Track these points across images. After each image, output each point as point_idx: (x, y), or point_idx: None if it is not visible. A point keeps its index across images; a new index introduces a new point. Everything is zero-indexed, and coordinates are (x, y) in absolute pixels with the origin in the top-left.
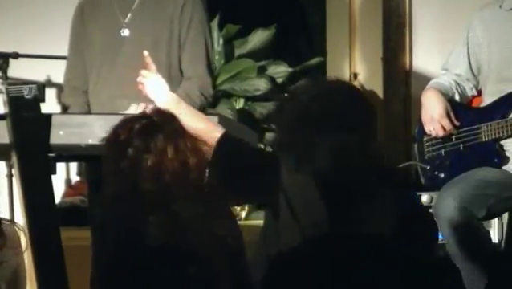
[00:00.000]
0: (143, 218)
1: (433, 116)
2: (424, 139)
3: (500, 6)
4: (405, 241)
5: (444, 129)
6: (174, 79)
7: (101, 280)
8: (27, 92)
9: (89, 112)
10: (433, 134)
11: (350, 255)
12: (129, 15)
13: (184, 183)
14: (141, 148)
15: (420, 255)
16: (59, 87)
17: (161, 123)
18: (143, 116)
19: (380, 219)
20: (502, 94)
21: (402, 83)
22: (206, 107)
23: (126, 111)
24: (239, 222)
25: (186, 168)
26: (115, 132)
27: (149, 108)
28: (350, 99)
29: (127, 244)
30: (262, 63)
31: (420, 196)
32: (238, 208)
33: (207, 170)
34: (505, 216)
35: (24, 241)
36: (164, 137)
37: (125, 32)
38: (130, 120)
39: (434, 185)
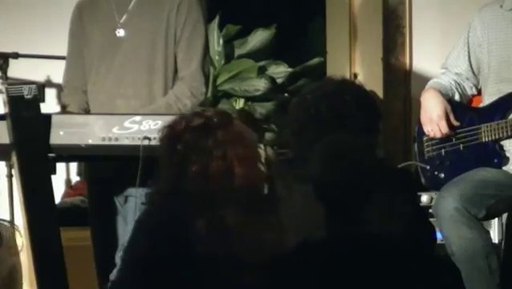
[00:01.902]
0: (184, 218)
1: (432, 117)
2: (424, 139)
3: (500, 6)
4: (408, 241)
5: (442, 131)
6: (170, 78)
7: (135, 276)
8: (27, 92)
9: (89, 112)
10: (431, 135)
11: (356, 256)
12: (125, 15)
13: (228, 190)
14: (190, 146)
15: (421, 255)
16: (59, 87)
17: (217, 125)
18: (203, 114)
19: (388, 220)
20: (502, 94)
21: (402, 83)
22: (199, 106)
23: (124, 112)
24: None
25: (231, 175)
26: (171, 125)
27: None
28: (361, 100)
29: (166, 242)
30: (262, 63)
31: (420, 196)
32: None
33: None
34: (505, 216)
35: (20, 241)
36: (215, 140)
37: (120, 32)
38: (188, 116)
39: (434, 185)
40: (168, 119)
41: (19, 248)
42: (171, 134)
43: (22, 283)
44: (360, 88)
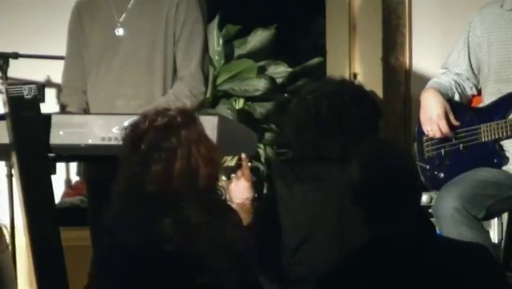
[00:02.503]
0: (148, 218)
1: (432, 117)
2: (424, 139)
3: (501, 6)
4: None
5: (442, 131)
6: (170, 78)
7: (100, 279)
8: (27, 92)
9: (89, 112)
10: (431, 135)
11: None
12: (124, 14)
13: (192, 189)
14: (153, 145)
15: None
16: (59, 87)
17: (181, 124)
18: (166, 113)
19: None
20: (502, 94)
21: (402, 83)
22: (199, 105)
23: (124, 112)
24: None
25: (195, 174)
26: (134, 124)
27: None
28: (361, 100)
29: (129, 244)
30: (262, 63)
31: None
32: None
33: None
34: (505, 216)
35: (7, 237)
36: (179, 140)
37: (120, 31)
38: (152, 114)
39: (434, 185)
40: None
41: (6, 245)
42: (134, 133)
43: (14, 278)
44: (360, 88)
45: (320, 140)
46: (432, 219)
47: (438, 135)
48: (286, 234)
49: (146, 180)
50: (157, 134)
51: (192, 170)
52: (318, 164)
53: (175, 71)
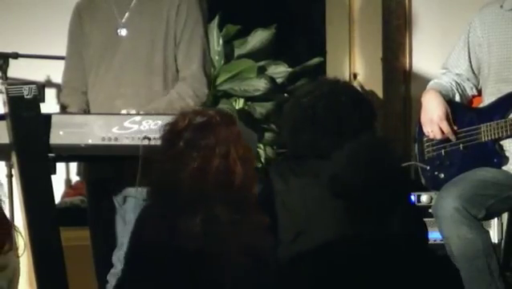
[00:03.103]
0: (179, 214)
1: (433, 119)
2: (424, 139)
3: (501, 6)
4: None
5: (443, 132)
6: (170, 78)
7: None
8: (27, 92)
9: (89, 112)
10: (431, 136)
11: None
12: (127, 14)
13: (227, 188)
14: (191, 143)
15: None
16: (59, 87)
17: (220, 123)
18: (205, 112)
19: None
20: (502, 94)
21: (402, 83)
22: (203, 107)
23: (124, 112)
24: None
25: (232, 174)
26: (174, 122)
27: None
28: (355, 100)
29: (163, 239)
30: (262, 63)
31: (420, 196)
32: None
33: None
34: (505, 216)
35: (22, 243)
36: (217, 138)
37: (122, 32)
38: (191, 113)
39: (434, 186)
40: (169, 119)
41: (20, 250)
42: (173, 130)
43: (18, 282)
44: (355, 89)
45: (317, 140)
46: (431, 219)
47: (439, 136)
48: (283, 229)
49: (181, 176)
50: (196, 132)
51: (228, 169)
52: (314, 161)
53: (175, 71)
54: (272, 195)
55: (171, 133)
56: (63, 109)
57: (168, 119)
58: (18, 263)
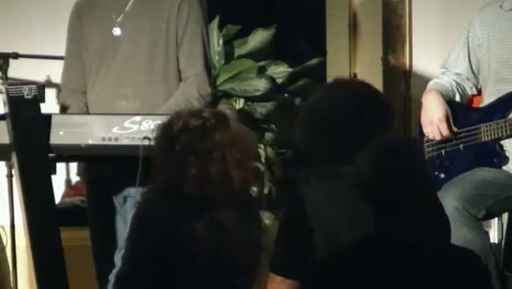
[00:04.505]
0: (180, 219)
1: (432, 120)
2: (425, 139)
3: (500, 6)
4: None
5: (442, 133)
6: (171, 78)
7: (131, 277)
8: (27, 92)
9: (89, 113)
10: (431, 137)
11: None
12: (122, 14)
13: (226, 192)
14: (188, 147)
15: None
16: (59, 87)
17: (215, 126)
18: (200, 114)
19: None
20: (502, 94)
21: (402, 83)
22: (206, 107)
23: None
24: None
25: (229, 178)
26: (169, 123)
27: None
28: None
29: (161, 244)
30: (262, 63)
31: None
32: None
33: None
34: (505, 216)
35: (4, 237)
36: (213, 143)
37: (117, 31)
38: (186, 115)
39: (434, 186)
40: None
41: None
42: (168, 134)
43: (9, 277)
44: (370, 88)
45: (335, 145)
46: None
47: (438, 137)
48: (313, 234)
49: (183, 182)
50: (192, 136)
51: (226, 173)
52: (335, 165)
53: (176, 71)
54: (300, 197)
55: (166, 136)
56: (63, 111)
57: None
58: (4, 259)
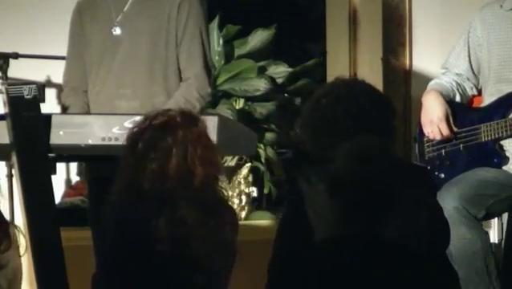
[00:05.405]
0: (143, 217)
1: (432, 120)
2: (425, 139)
3: (501, 6)
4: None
5: (442, 133)
6: (171, 78)
7: (102, 277)
8: (27, 92)
9: (89, 112)
10: (431, 137)
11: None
12: (121, 14)
13: (188, 188)
14: (150, 144)
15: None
16: (59, 87)
17: (179, 124)
18: (167, 113)
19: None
20: (502, 94)
21: (402, 83)
22: (206, 107)
23: (124, 112)
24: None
25: (191, 174)
26: (136, 124)
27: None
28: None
29: (127, 242)
30: (262, 63)
31: None
32: (238, 208)
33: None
34: (505, 216)
35: (24, 242)
36: (175, 139)
37: (117, 31)
38: (153, 114)
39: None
40: None
41: (22, 249)
42: (134, 132)
43: (21, 283)
44: (373, 88)
45: (337, 143)
46: None
47: (438, 137)
48: (314, 231)
49: (142, 178)
50: (154, 133)
51: (188, 170)
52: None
53: (177, 71)
54: (301, 197)
55: (132, 134)
56: (65, 110)
57: None
58: (19, 263)
